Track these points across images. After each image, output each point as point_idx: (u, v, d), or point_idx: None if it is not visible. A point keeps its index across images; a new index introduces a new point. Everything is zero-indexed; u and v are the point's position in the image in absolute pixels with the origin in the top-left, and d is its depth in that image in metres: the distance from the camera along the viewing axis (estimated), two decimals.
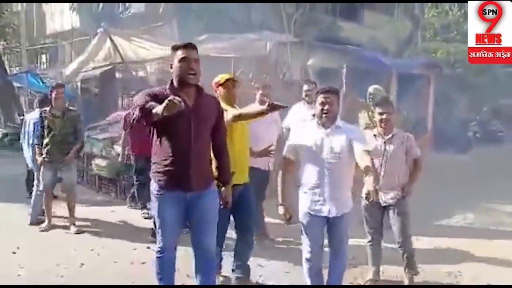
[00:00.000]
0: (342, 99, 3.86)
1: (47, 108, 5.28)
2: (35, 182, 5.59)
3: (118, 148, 7.14)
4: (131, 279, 3.94)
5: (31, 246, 4.78)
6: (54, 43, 21.27)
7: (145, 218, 5.94)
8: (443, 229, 5.60)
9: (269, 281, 4.00)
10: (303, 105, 5.26)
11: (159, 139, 2.89)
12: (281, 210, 3.26)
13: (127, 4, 15.67)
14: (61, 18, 19.74)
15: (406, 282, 3.86)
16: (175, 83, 2.90)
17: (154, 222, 3.42)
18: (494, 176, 8.84)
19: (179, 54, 2.86)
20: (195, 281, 3.18)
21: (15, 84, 15.56)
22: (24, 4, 16.51)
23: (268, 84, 4.70)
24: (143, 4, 15.46)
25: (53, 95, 5.25)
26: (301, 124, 3.71)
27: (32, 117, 5.84)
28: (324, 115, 3.15)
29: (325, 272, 3.38)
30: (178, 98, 2.50)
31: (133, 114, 2.70)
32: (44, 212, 5.46)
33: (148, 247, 4.61)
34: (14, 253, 4.54)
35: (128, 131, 5.97)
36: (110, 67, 10.33)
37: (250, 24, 9.92)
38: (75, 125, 5.35)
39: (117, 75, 11.20)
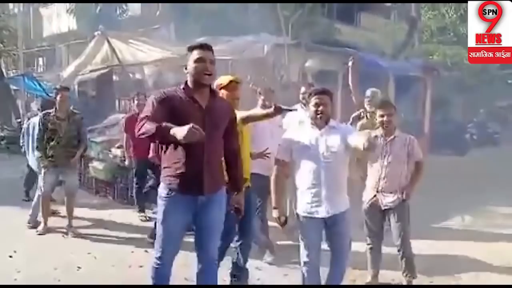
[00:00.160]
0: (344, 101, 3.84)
1: (51, 111, 5.23)
2: (39, 184, 5.55)
3: (115, 151, 7.14)
4: (128, 282, 3.92)
5: (27, 249, 4.75)
6: (51, 46, 21.22)
7: (142, 221, 5.93)
8: (441, 231, 5.60)
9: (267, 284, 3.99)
10: (300, 108, 5.25)
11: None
12: (275, 213, 3.25)
13: (124, 7, 15.65)
14: (58, 21, 19.72)
15: None
16: (189, 84, 2.84)
17: (155, 225, 3.37)
18: (491, 178, 8.87)
19: (195, 54, 2.81)
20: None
21: (12, 87, 15.52)
22: (21, 6, 16.45)
23: (270, 89, 4.63)
24: (140, 7, 15.46)
25: (58, 98, 5.22)
26: (298, 126, 3.70)
27: (37, 120, 5.79)
28: (318, 116, 3.16)
29: (325, 272, 3.37)
30: (199, 128, 2.46)
31: (146, 128, 2.60)
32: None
33: (146, 251, 4.59)
34: (11, 256, 4.51)
35: (129, 134, 5.92)
36: (107, 69, 10.32)
37: (247, 27, 9.91)
38: (79, 128, 5.33)
39: (115, 77, 11.20)
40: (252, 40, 8.83)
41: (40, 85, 13.42)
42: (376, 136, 3.83)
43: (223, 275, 3.83)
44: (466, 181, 8.72)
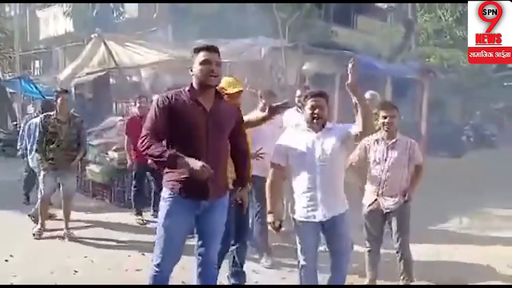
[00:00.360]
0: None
1: (51, 114, 5.21)
2: (40, 187, 5.50)
3: (112, 154, 7.11)
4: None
5: (24, 253, 4.72)
6: (47, 49, 21.21)
7: (140, 225, 5.91)
8: (438, 234, 5.60)
9: None
10: (296, 111, 5.23)
11: (172, 144, 2.76)
12: (270, 218, 3.20)
13: (121, 9, 15.65)
14: (55, 23, 19.73)
15: None
16: (195, 86, 2.81)
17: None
18: (488, 180, 8.89)
19: (201, 56, 2.78)
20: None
21: (8, 90, 15.49)
22: (18, 9, 16.43)
23: (271, 91, 4.59)
24: (137, 9, 15.48)
25: (59, 101, 5.18)
26: (294, 130, 3.68)
27: (38, 121, 5.75)
28: (314, 119, 3.12)
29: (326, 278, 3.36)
30: (208, 167, 2.56)
31: (155, 151, 2.66)
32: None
33: (143, 254, 4.57)
34: (7, 260, 4.48)
35: (130, 137, 5.87)
36: (104, 72, 10.30)
37: (244, 29, 9.93)
38: (79, 132, 5.31)
39: (111, 80, 11.19)
40: (250, 43, 8.85)
41: (36, 87, 13.41)
42: (377, 140, 3.84)
43: (221, 278, 3.82)
44: (463, 183, 8.73)
